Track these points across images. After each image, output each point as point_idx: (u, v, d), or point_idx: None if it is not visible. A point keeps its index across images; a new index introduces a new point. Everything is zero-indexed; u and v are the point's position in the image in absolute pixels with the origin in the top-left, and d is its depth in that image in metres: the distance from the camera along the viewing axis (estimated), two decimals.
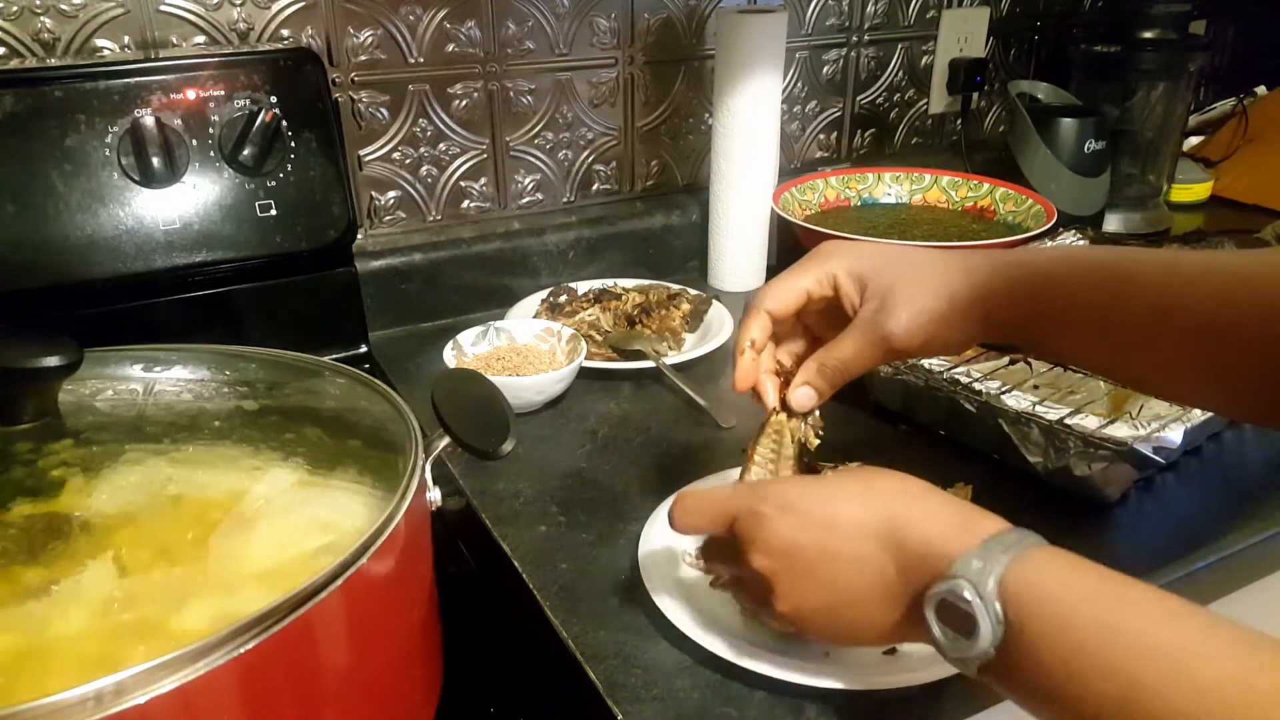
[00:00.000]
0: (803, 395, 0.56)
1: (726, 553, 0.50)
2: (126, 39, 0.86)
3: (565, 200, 1.14)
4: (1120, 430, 0.68)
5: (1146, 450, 0.65)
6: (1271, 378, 0.45)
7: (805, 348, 0.59)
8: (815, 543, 0.46)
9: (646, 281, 1.07)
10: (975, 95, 1.36)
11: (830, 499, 0.46)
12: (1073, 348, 0.54)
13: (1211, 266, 0.48)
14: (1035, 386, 0.78)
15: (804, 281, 0.56)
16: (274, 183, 0.83)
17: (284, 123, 0.83)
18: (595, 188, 1.15)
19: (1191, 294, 0.48)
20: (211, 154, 0.81)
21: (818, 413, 0.58)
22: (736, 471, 0.69)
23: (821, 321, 0.58)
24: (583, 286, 1.06)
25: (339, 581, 0.39)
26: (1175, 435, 0.67)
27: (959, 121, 1.38)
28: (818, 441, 0.58)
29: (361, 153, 1.00)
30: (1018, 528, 0.43)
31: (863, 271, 0.55)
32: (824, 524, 0.46)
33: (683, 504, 0.51)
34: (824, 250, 0.57)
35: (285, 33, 0.92)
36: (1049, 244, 0.99)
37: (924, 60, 1.33)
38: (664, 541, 0.64)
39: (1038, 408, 0.71)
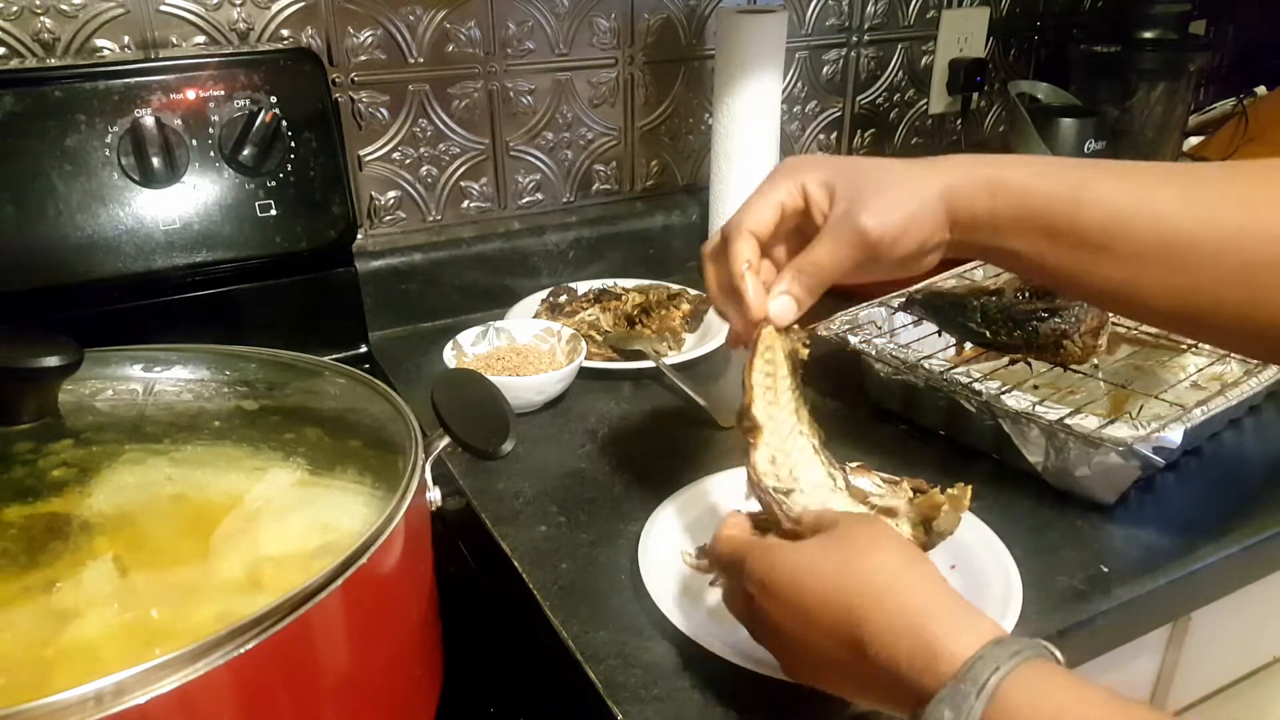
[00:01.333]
0: (782, 304, 0.54)
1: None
2: (126, 39, 0.86)
3: (565, 200, 1.14)
4: (1120, 430, 0.68)
5: (1146, 450, 0.65)
6: (1231, 291, 0.46)
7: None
8: (797, 632, 0.46)
9: (646, 281, 1.07)
10: (975, 95, 1.36)
11: (805, 589, 0.45)
12: (1028, 253, 0.52)
13: (1171, 176, 0.49)
14: (1035, 386, 0.78)
15: (776, 194, 0.55)
16: (274, 183, 0.83)
17: (284, 123, 0.83)
18: (595, 188, 1.15)
19: (1150, 206, 0.48)
20: (211, 154, 0.81)
21: (797, 326, 0.57)
22: (736, 472, 0.69)
23: (796, 241, 0.57)
24: (583, 286, 1.06)
25: (339, 581, 0.39)
26: (1175, 435, 0.67)
27: (959, 121, 1.38)
28: (806, 352, 0.57)
29: (361, 153, 1.00)
30: (992, 643, 0.40)
31: (829, 178, 0.54)
32: (802, 617, 0.46)
33: (713, 543, 0.53)
34: (788, 165, 0.56)
35: (285, 33, 0.92)
36: None
37: (924, 60, 1.33)
38: (664, 541, 0.64)
39: (1038, 408, 0.71)
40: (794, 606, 0.46)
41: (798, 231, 0.56)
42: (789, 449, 0.55)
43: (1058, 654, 0.41)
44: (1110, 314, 0.76)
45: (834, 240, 0.53)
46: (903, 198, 0.52)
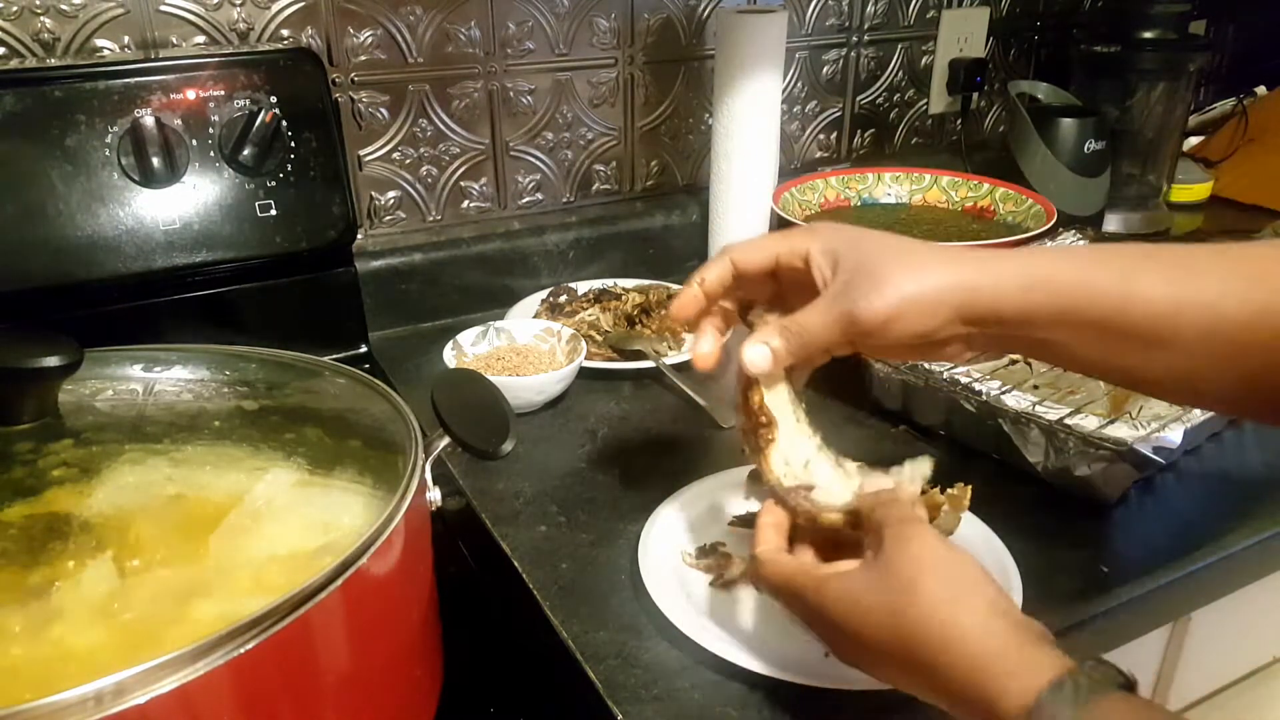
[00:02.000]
0: (755, 353, 0.53)
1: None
2: (126, 39, 0.86)
3: (565, 200, 1.14)
4: (1120, 430, 0.68)
5: (1146, 450, 0.65)
6: None
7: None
8: (851, 651, 0.47)
9: (646, 281, 1.07)
10: (975, 95, 1.36)
11: (863, 634, 0.45)
12: (1070, 344, 0.50)
13: (1216, 260, 0.47)
14: (1035, 386, 0.78)
15: (775, 244, 0.54)
16: (274, 183, 0.83)
17: (284, 123, 0.83)
18: (595, 188, 1.15)
19: (1199, 296, 0.46)
20: (211, 154, 0.81)
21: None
22: (736, 472, 0.69)
23: (798, 299, 0.55)
24: (583, 286, 1.06)
25: (339, 581, 0.39)
26: (1175, 435, 0.67)
27: (959, 121, 1.38)
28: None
29: (361, 153, 1.00)
30: (1050, 689, 0.39)
31: (837, 248, 0.52)
32: (862, 650, 0.46)
33: (755, 576, 0.52)
34: (808, 226, 0.56)
35: (285, 33, 0.92)
36: (1048, 244, 0.99)
37: (924, 60, 1.33)
38: (664, 541, 0.64)
39: (1038, 408, 0.71)
40: (851, 640, 0.46)
41: (801, 291, 0.54)
42: (796, 447, 0.55)
43: (1125, 674, 0.40)
44: None
45: (825, 312, 0.52)
46: (903, 286, 0.50)
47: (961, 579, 0.44)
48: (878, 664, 0.46)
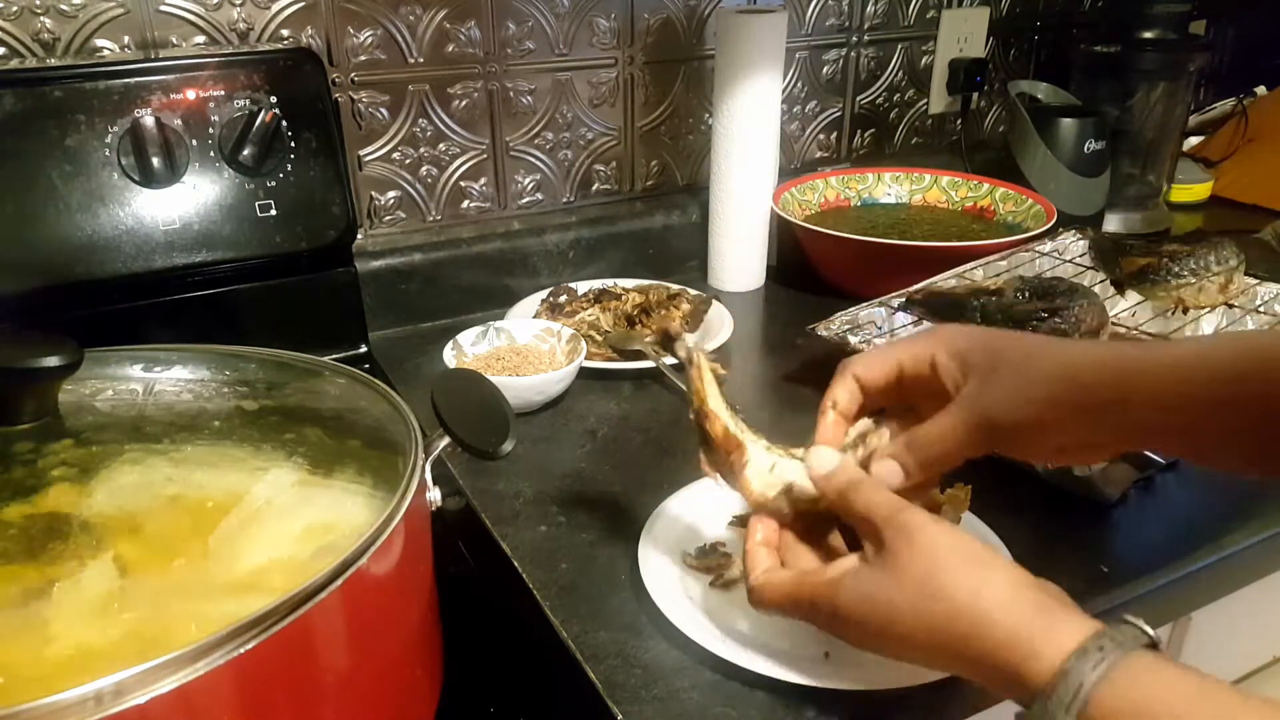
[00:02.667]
0: (885, 469, 0.51)
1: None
2: (126, 39, 0.86)
3: (565, 200, 1.14)
4: None
5: (1146, 450, 0.65)
6: None
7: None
8: (873, 642, 0.47)
9: (646, 281, 1.07)
10: (975, 95, 1.36)
11: (886, 631, 0.45)
12: (1218, 433, 0.47)
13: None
14: None
15: (898, 353, 0.53)
16: (274, 183, 0.83)
17: (284, 123, 0.83)
18: (595, 188, 1.15)
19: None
20: (211, 154, 0.81)
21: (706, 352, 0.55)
22: None
23: (929, 407, 0.53)
24: (583, 286, 1.06)
25: (339, 581, 0.39)
26: None
27: (959, 121, 1.38)
28: (724, 373, 0.56)
29: (361, 153, 1.00)
30: (1075, 654, 0.39)
31: (966, 350, 0.51)
32: (878, 639, 0.46)
33: (757, 600, 0.51)
34: (932, 330, 0.54)
35: (285, 33, 0.92)
36: (1048, 244, 0.99)
37: (924, 60, 1.33)
38: (664, 541, 0.64)
39: None
40: (873, 635, 0.46)
41: (935, 397, 0.52)
42: (759, 457, 0.53)
43: (1146, 629, 0.41)
44: (1110, 313, 0.76)
45: (956, 415, 0.50)
46: (1039, 387, 0.48)
47: (976, 562, 0.44)
48: (903, 651, 0.46)
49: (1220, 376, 0.46)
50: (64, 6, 0.83)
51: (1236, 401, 0.46)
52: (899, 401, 0.54)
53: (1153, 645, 0.40)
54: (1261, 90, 1.50)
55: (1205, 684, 0.38)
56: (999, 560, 0.45)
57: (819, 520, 0.53)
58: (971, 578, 0.43)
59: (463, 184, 1.06)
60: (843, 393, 0.54)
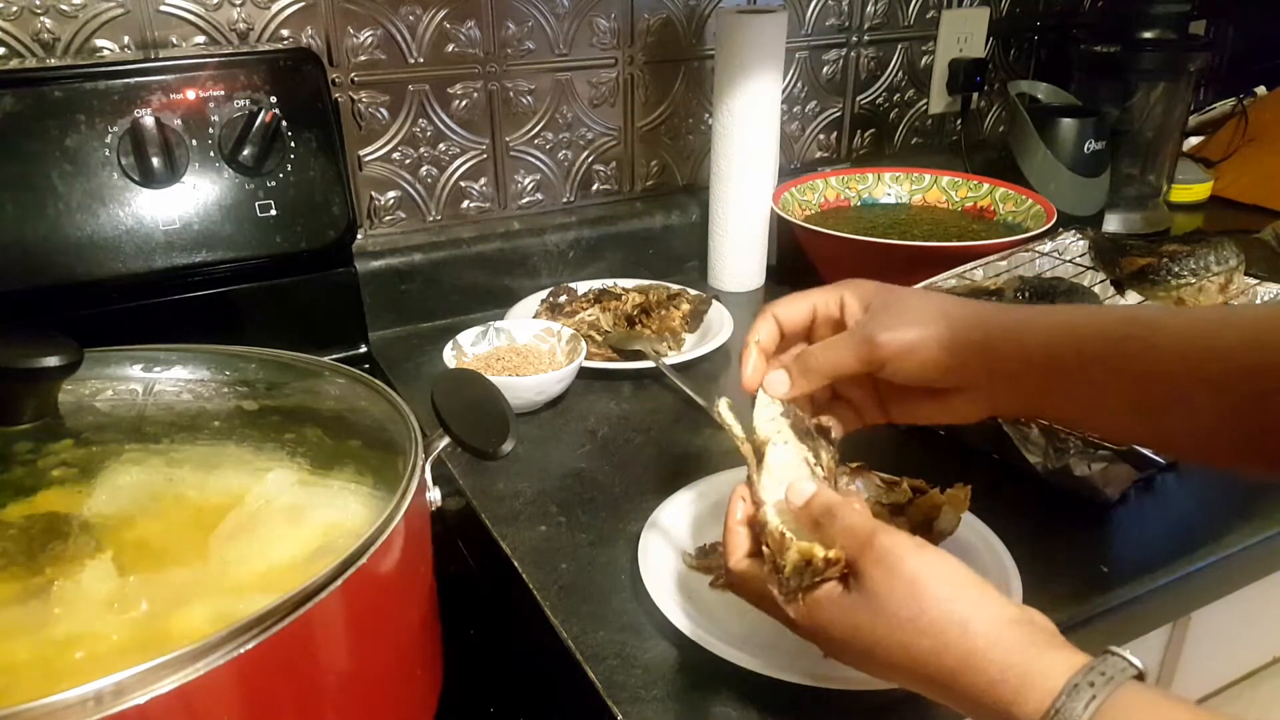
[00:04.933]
0: (775, 377, 0.57)
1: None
2: (126, 39, 0.86)
3: (565, 200, 1.14)
4: None
5: (1146, 450, 0.65)
6: None
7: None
8: (856, 658, 0.46)
9: (646, 281, 1.07)
10: (975, 95, 1.36)
11: (873, 656, 0.45)
12: (1092, 405, 0.52)
13: (1230, 320, 0.49)
14: None
15: (814, 297, 0.58)
16: (274, 183, 0.83)
17: (284, 123, 0.83)
18: (595, 188, 1.15)
19: (1219, 343, 0.47)
20: (211, 154, 0.81)
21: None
22: (736, 473, 0.69)
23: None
24: (583, 286, 1.06)
25: (339, 581, 0.39)
26: None
27: (959, 121, 1.38)
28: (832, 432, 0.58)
29: (361, 153, 1.00)
30: (1065, 693, 0.39)
31: (869, 294, 0.57)
32: (862, 662, 0.46)
33: (739, 585, 0.51)
34: (844, 281, 0.59)
35: (285, 33, 0.92)
36: (1048, 244, 0.99)
37: (924, 60, 1.33)
38: (664, 541, 0.64)
39: None
40: (859, 657, 0.46)
41: (835, 331, 0.58)
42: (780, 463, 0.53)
43: (1132, 660, 0.40)
44: None
45: (847, 339, 0.55)
46: (928, 322, 0.53)
47: (962, 592, 0.43)
48: (887, 675, 0.46)
49: (1087, 350, 0.50)
50: (64, 6, 0.83)
51: (1095, 378, 0.49)
52: (810, 339, 0.59)
53: (1140, 677, 0.40)
54: (1261, 90, 1.50)
55: (1197, 715, 0.38)
56: (985, 589, 0.44)
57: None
58: (959, 610, 0.42)
59: (463, 184, 1.06)
60: (764, 331, 0.58)
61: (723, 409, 0.56)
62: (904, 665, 0.43)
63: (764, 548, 0.48)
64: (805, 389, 0.57)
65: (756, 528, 0.50)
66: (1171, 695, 0.39)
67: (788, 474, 0.52)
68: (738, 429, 0.55)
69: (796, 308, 0.58)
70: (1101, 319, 0.53)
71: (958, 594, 0.43)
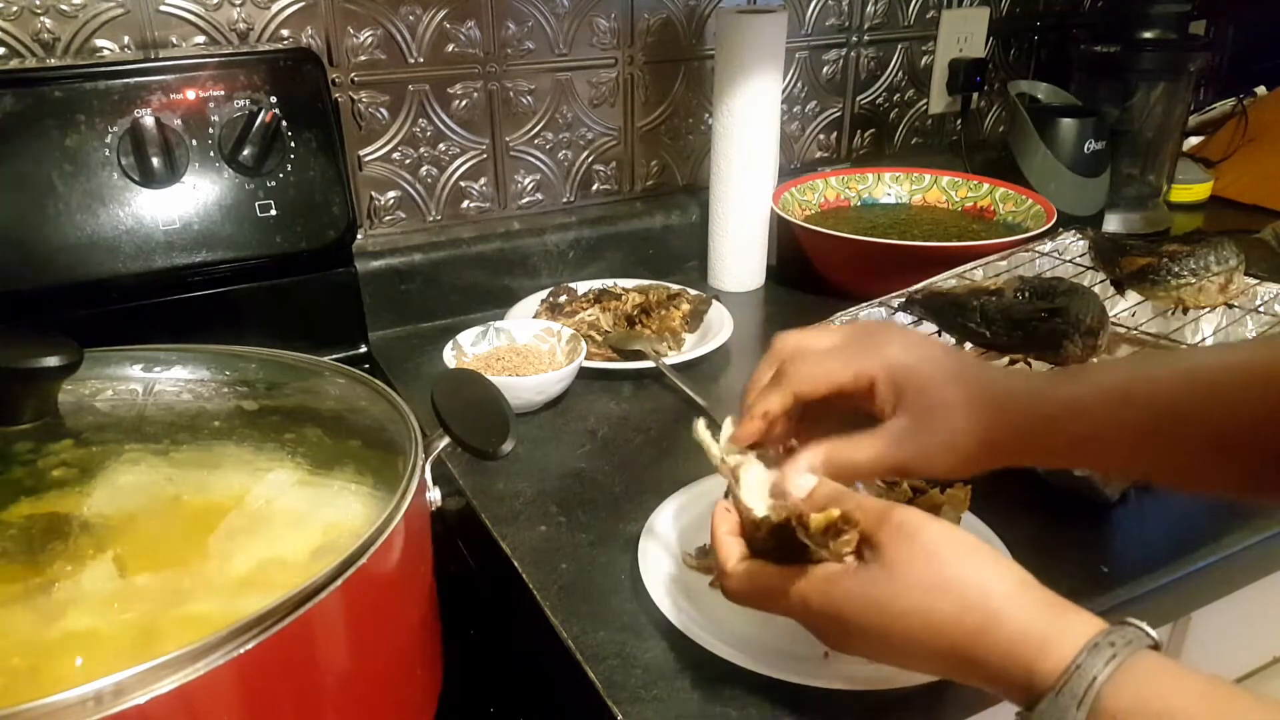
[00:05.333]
0: (802, 483, 0.52)
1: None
2: (126, 39, 0.86)
3: (565, 200, 1.14)
4: None
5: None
6: None
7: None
8: (872, 637, 0.46)
9: (646, 281, 1.07)
10: (975, 95, 1.36)
11: (890, 634, 0.44)
12: (1091, 462, 0.56)
13: (1224, 365, 0.49)
14: None
15: (840, 375, 0.54)
16: (274, 183, 0.83)
17: (284, 123, 0.83)
18: (595, 188, 1.15)
19: (1210, 400, 0.48)
20: (211, 154, 0.81)
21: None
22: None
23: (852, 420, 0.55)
24: (583, 286, 1.06)
25: (339, 581, 0.39)
26: None
27: (959, 121, 1.38)
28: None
29: (361, 153, 1.00)
30: (1087, 649, 0.39)
31: (903, 380, 0.52)
32: (875, 645, 0.46)
33: (736, 585, 0.50)
34: (869, 339, 0.55)
35: (285, 33, 0.92)
36: (1048, 244, 0.99)
37: (924, 60, 1.33)
38: (664, 541, 0.64)
39: None
40: (873, 640, 0.45)
41: (862, 412, 0.55)
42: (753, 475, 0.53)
43: (1149, 631, 0.41)
44: (1110, 313, 0.76)
45: (879, 451, 0.52)
46: (961, 443, 0.51)
47: (981, 557, 0.44)
48: (900, 655, 0.45)
49: (1105, 436, 0.50)
50: (64, 6, 0.83)
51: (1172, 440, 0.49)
52: (824, 408, 0.55)
53: (1155, 648, 0.41)
54: (1261, 90, 1.50)
55: (1213, 683, 0.38)
56: (1000, 556, 0.45)
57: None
58: (978, 573, 0.43)
59: (463, 184, 1.06)
60: (777, 403, 0.54)
61: (699, 430, 0.55)
62: (923, 635, 0.43)
63: (775, 535, 0.48)
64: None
65: (749, 530, 0.50)
66: (1186, 666, 0.39)
67: (764, 489, 0.52)
68: (715, 449, 0.55)
69: (818, 384, 0.54)
70: (1102, 397, 0.51)
71: (975, 558, 0.44)
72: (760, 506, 0.50)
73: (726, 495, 0.55)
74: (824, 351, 0.55)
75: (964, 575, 0.43)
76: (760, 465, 0.54)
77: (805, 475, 0.52)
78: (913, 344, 0.54)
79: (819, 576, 0.46)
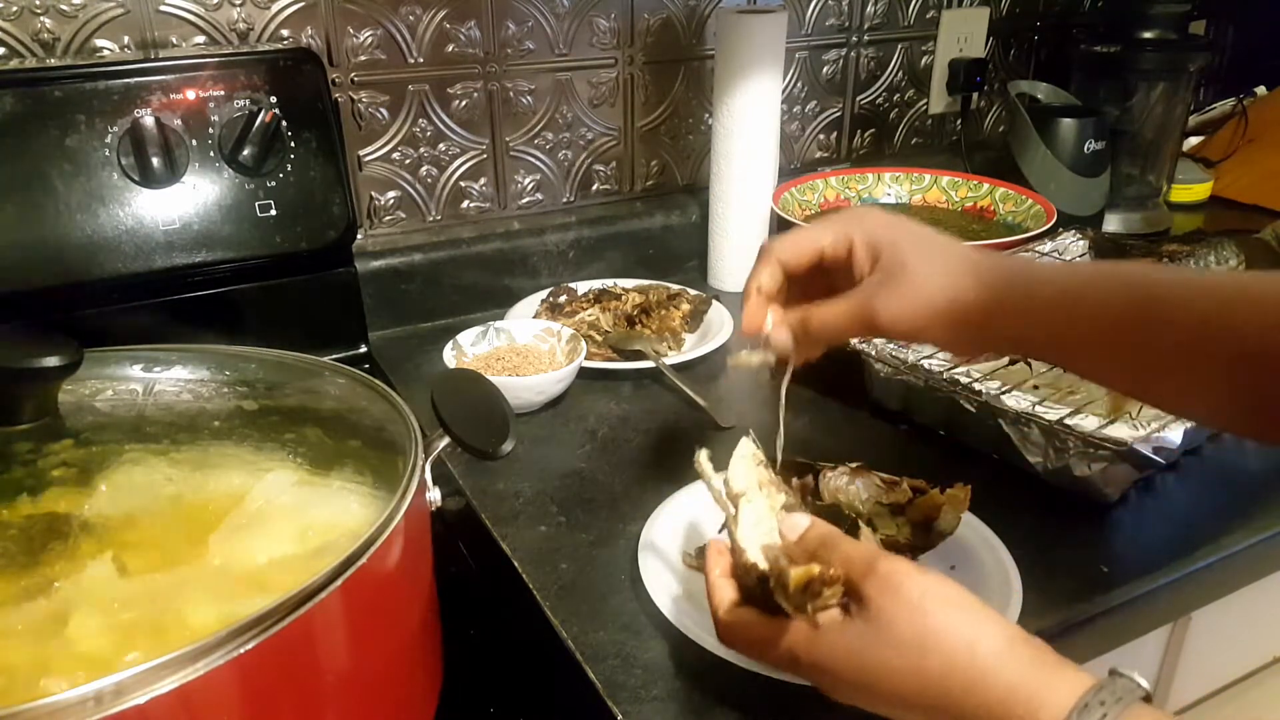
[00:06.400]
0: (779, 334, 0.56)
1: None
2: (126, 39, 0.86)
3: (565, 200, 1.14)
4: (1120, 430, 0.68)
5: (1146, 450, 0.65)
6: None
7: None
8: (860, 690, 0.45)
9: (646, 281, 1.07)
10: (975, 95, 1.36)
11: (876, 686, 0.44)
12: (1092, 368, 0.53)
13: (1246, 291, 0.47)
14: (1035, 387, 0.78)
15: (821, 238, 0.56)
16: (274, 183, 0.83)
17: (284, 123, 0.83)
18: (595, 188, 1.15)
19: (1230, 320, 0.46)
20: (211, 154, 0.81)
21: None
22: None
23: (841, 281, 0.57)
24: (583, 286, 1.06)
25: (339, 581, 0.39)
26: (1175, 435, 0.67)
27: (959, 121, 1.38)
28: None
29: (361, 153, 1.00)
30: (1076, 710, 0.39)
31: (878, 241, 0.54)
32: (865, 696, 0.45)
33: (730, 635, 0.50)
34: (848, 212, 0.57)
35: (285, 33, 0.92)
36: (1048, 244, 0.99)
37: (924, 60, 1.33)
38: (664, 541, 0.64)
39: (1038, 408, 0.71)
40: (859, 690, 0.45)
41: (842, 274, 0.56)
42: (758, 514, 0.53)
43: (1140, 681, 0.40)
44: None
45: (852, 308, 0.54)
46: (934, 298, 0.52)
47: (968, 613, 0.43)
48: (890, 707, 0.45)
49: (1091, 329, 0.50)
50: (64, 6, 0.83)
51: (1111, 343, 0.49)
52: (813, 279, 0.57)
53: (1147, 699, 0.40)
54: (1261, 90, 1.50)
55: None
56: (988, 610, 0.44)
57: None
58: (966, 630, 0.42)
59: (463, 184, 1.06)
60: (767, 276, 0.56)
61: (702, 460, 0.54)
62: (910, 692, 0.43)
63: (762, 583, 0.47)
64: (806, 356, 0.57)
65: (740, 572, 0.49)
66: None
67: (762, 527, 0.51)
68: (716, 480, 0.54)
69: (800, 250, 0.56)
70: (1107, 291, 0.50)
71: (962, 614, 0.43)
72: (754, 547, 0.49)
73: (722, 529, 0.55)
74: (804, 227, 0.57)
75: (951, 632, 0.42)
76: (761, 501, 0.53)
77: (798, 515, 0.50)
78: (894, 218, 0.56)
79: (804, 630, 0.45)
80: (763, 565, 0.47)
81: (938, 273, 0.52)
